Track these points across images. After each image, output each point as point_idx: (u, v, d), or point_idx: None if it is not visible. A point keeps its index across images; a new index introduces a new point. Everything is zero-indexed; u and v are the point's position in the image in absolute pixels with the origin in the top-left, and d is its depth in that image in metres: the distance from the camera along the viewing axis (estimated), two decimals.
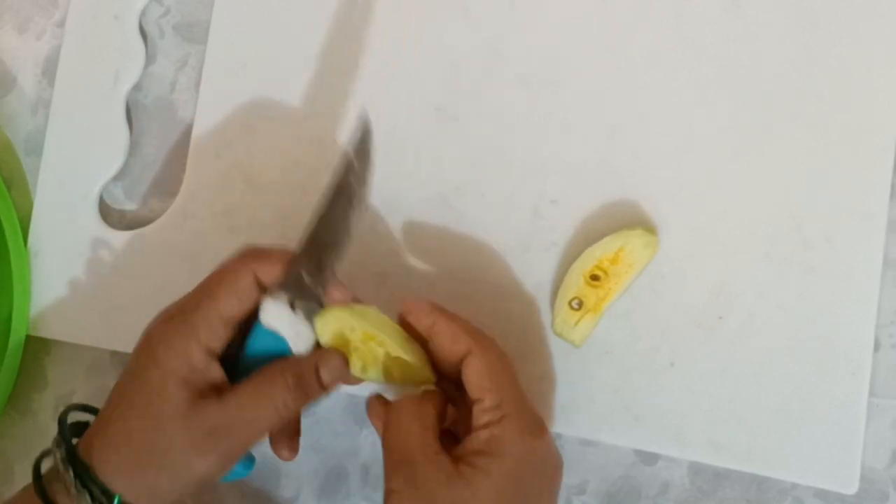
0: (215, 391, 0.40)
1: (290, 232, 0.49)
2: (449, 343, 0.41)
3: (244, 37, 0.51)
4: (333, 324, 0.41)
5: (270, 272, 0.41)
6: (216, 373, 0.40)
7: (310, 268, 0.41)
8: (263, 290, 0.41)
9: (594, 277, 0.43)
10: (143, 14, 0.53)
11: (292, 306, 0.41)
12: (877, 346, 0.45)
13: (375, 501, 0.49)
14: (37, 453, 0.41)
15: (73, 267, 0.52)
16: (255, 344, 0.41)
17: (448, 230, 0.48)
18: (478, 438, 0.39)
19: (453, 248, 0.47)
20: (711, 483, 0.46)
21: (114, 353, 0.52)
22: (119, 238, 0.51)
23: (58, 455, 0.40)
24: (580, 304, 0.42)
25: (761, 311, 0.44)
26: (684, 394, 0.45)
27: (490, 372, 0.40)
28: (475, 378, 0.40)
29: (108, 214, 0.53)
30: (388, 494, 0.39)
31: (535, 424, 0.40)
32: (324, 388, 0.41)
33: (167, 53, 0.53)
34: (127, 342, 0.50)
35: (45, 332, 0.52)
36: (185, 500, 0.40)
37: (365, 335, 0.41)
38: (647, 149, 0.46)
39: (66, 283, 0.52)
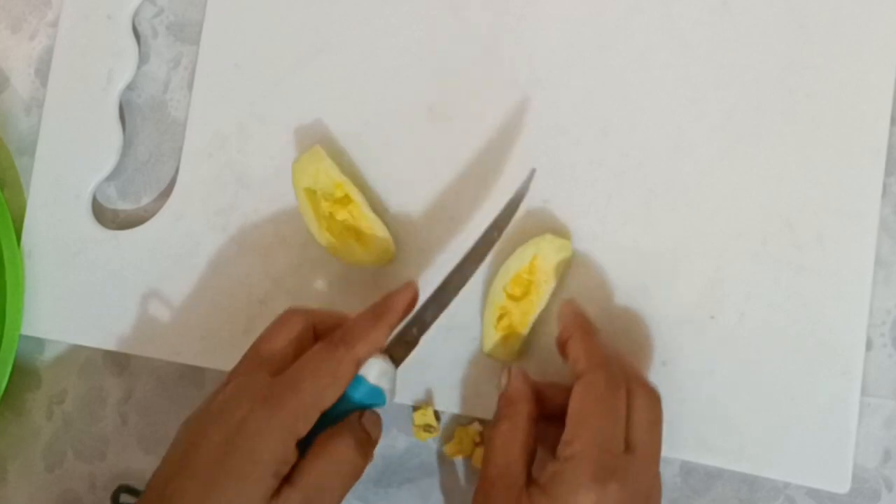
0: (289, 470, 0.40)
1: (282, 232, 0.49)
2: (571, 362, 0.41)
3: (237, 37, 0.51)
4: None
5: (370, 353, 0.41)
6: (295, 456, 0.40)
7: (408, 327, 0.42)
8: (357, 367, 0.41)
9: (514, 294, 0.42)
10: (136, 14, 0.53)
11: (393, 359, 0.41)
12: (868, 346, 0.45)
13: (370, 501, 0.49)
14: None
15: (66, 266, 0.52)
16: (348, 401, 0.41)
17: (440, 229, 0.48)
18: (546, 471, 0.39)
19: (446, 247, 0.47)
20: (703, 482, 0.46)
21: (107, 353, 0.52)
22: (112, 238, 0.52)
23: None
24: (507, 322, 0.41)
25: (753, 310, 0.45)
26: (676, 393, 0.44)
27: (581, 402, 0.39)
28: (571, 404, 0.39)
29: (102, 214, 0.53)
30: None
31: (604, 471, 0.38)
32: (374, 443, 0.42)
33: (160, 53, 0.53)
34: (120, 341, 0.51)
35: (38, 332, 0.52)
36: None
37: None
38: (639, 148, 0.46)
39: (59, 283, 0.52)
